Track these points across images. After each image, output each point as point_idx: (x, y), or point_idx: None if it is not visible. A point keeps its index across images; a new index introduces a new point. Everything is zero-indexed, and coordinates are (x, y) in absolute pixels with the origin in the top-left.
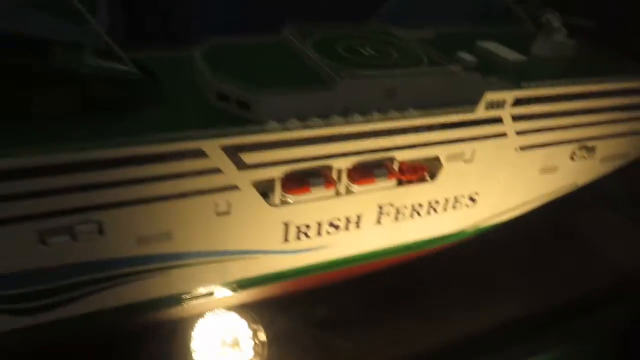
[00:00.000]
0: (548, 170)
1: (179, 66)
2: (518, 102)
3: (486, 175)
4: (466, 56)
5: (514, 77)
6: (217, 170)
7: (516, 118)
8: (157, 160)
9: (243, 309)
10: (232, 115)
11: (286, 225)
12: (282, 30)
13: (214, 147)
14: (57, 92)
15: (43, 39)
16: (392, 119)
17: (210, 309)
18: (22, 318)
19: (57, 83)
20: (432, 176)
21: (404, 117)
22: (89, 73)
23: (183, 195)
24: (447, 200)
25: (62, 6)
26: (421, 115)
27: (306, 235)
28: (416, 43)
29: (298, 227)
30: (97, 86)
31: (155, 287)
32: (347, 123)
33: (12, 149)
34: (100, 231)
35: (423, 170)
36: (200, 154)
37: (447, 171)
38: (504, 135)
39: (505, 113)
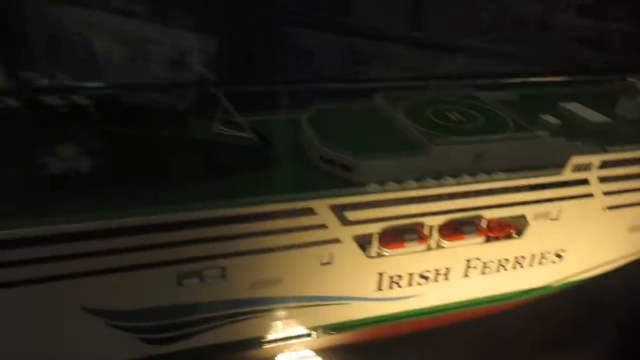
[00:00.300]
0: (637, 229)
1: (283, 129)
2: (604, 165)
3: (572, 233)
4: (550, 119)
5: (599, 140)
6: (323, 226)
7: (603, 180)
8: (273, 217)
9: (325, 351)
10: (335, 177)
11: (380, 275)
12: (375, 96)
13: (322, 206)
14: (190, 158)
15: (178, 111)
16: (481, 181)
17: (295, 349)
18: (152, 347)
19: (190, 150)
20: (519, 233)
21: (492, 180)
22: (216, 141)
23: (293, 246)
24: (533, 256)
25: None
26: (509, 178)
27: (398, 285)
28: (500, 106)
29: (391, 277)
30: (222, 152)
31: (259, 326)
32: (439, 185)
33: (157, 208)
34: (223, 275)
35: (510, 228)
36: (310, 212)
37: (534, 229)
38: (590, 195)
39: (592, 175)
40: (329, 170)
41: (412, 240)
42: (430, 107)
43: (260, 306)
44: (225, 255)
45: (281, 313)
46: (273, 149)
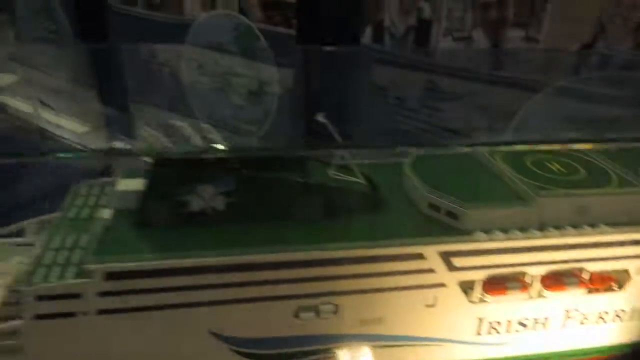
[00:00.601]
0: None
1: (383, 172)
2: None
3: None
4: None
5: None
6: (431, 271)
7: None
8: (384, 259)
9: None
10: (441, 223)
11: (480, 320)
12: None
13: (432, 252)
14: (309, 201)
15: (299, 157)
16: (585, 234)
17: None
18: None
19: (310, 194)
20: (620, 286)
21: (596, 233)
22: (332, 185)
23: (400, 288)
24: (633, 310)
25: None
26: (613, 232)
27: (496, 330)
28: (599, 157)
29: (490, 323)
30: (338, 196)
31: None
32: (544, 236)
33: (279, 247)
34: (336, 311)
35: (612, 281)
36: (419, 256)
37: (636, 283)
38: None
39: None
40: (435, 216)
41: (514, 288)
42: (529, 156)
43: (367, 342)
44: (338, 293)
45: (384, 350)
46: (379, 193)
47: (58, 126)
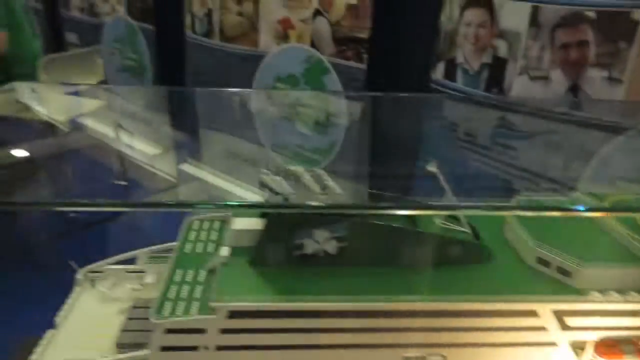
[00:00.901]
0: None
1: (482, 218)
2: None
3: None
4: None
5: None
6: (542, 329)
7: None
8: (494, 314)
9: None
10: (551, 279)
11: None
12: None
13: (546, 310)
14: (417, 249)
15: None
16: None
17: None
18: None
19: (417, 242)
20: None
21: None
22: (439, 234)
23: (510, 344)
24: None
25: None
26: None
27: None
28: None
29: None
30: (445, 245)
31: None
32: None
33: (393, 296)
34: None
35: None
36: (532, 314)
37: None
38: None
39: None
40: (543, 271)
41: (630, 353)
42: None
43: None
44: (447, 345)
45: None
46: (483, 243)
47: (131, 148)
